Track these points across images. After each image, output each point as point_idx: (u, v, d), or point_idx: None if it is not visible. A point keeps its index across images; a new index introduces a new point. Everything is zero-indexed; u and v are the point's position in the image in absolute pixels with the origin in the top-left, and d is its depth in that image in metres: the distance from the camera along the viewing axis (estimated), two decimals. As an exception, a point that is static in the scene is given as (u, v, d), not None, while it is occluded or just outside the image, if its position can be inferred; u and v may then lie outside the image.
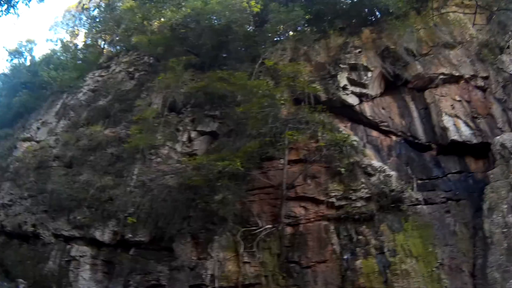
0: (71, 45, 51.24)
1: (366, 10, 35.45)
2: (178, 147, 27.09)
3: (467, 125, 27.99)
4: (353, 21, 34.95)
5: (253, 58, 30.90)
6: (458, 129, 27.60)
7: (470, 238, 23.52)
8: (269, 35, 33.14)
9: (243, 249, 20.59)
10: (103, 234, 23.66)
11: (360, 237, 21.06)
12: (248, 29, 34.18)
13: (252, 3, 32.99)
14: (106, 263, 23.51)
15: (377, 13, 35.09)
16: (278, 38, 34.44)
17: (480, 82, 29.93)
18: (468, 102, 29.19)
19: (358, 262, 20.10)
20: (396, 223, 21.95)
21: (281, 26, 33.72)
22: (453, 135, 27.12)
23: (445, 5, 33.24)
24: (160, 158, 26.17)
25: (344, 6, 36.31)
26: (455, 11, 32.20)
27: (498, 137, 26.32)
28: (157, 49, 34.19)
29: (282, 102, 25.29)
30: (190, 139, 27.44)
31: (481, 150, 27.35)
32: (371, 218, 21.62)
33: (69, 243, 24.54)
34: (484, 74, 30.03)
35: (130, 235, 22.52)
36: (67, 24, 52.87)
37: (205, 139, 27.32)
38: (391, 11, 31.91)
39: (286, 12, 32.40)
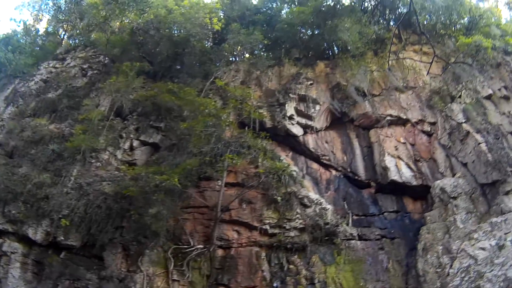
0: (32, 29, 49.72)
1: (325, 44, 36.01)
2: (119, 154, 26.51)
3: (409, 167, 28.81)
4: (310, 53, 35.74)
5: (205, 75, 30.90)
6: (399, 170, 28.31)
7: (403, 276, 23.99)
8: (225, 54, 33.27)
9: (173, 266, 20.26)
10: (36, 233, 22.45)
11: (291, 266, 21.05)
12: (206, 45, 34.10)
13: (215, 20, 33.36)
14: (37, 263, 22.19)
15: (335, 48, 35.70)
16: (233, 59, 34.59)
17: (427, 127, 31.07)
18: (412, 145, 30.13)
19: (288, 292, 19.86)
20: (328, 256, 22.11)
21: (239, 47, 33.98)
22: (393, 176, 27.82)
23: (403, 49, 34.32)
24: (100, 162, 25.45)
25: (303, 37, 36.92)
26: (411, 58, 33.49)
27: (438, 181, 27.43)
28: (114, 50, 33.70)
29: (227, 124, 25.23)
30: (131, 148, 26.91)
31: (420, 192, 28.18)
32: (304, 249, 21.69)
33: (1, 237, 23.54)
34: (432, 120, 31.23)
35: (62, 238, 21.47)
36: (33, 7, 51.27)
37: (146, 150, 26.89)
38: (349, 48, 32.81)
39: (245, 34, 32.70)
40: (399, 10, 39.06)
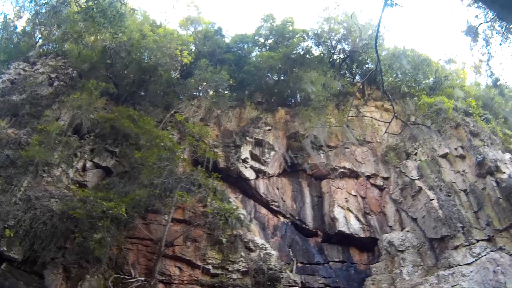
0: (11, 24, 49.02)
1: (289, 91, 36.86)
2: (71, 172, 26.08)
3: (358, 219, 29.49)
4: (273, 98, 36.62)
5: (167, 106, 31.18)
6: (348, 221, 28.93)
7: None
8: (190, 89, 33.40)
9: None
10: (-22, 239, 22.12)
11: None
12: (173, 76, 34.36)
13: (185, 53, 33.93)
14: (-24, 272, 21.92)
15: (298, 97, 36.71)
16: (197, 94, 34.80)
17: (379, 182, 32.09)
18: (363, 198, 30.88)
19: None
20: None
21: (204, 84, 34.23)
22: (341, 227, 28.41)
23: (365, 104, 35.45)
24: (51, 178, 24.90)
25: (268, 82, 37.70)
26: (371, 115, 34.60)
27: (387, 234, 28.39)
28: (83, 65, 33.30)
29: (180, 159, 25.43)
30: (84, 168, 26.52)
31: (367, 244, 28.84)
32: None
33: None
34: (385, 175, 32.34)
35: (4, 248, 21.04)
36: (17, 1, 50.65)
37: (98, 173, 26.57)
38: (311, 99, 33.48)
39: (212, 72, 33.35)
40: (367, 65, 40.59)
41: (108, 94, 30.53)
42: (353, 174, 31.55)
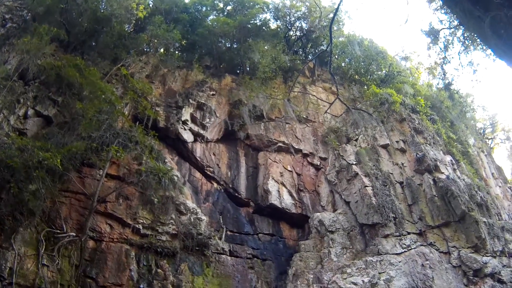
0: None
1: (239, 59, 36.87)
2: (12, 119, 25.57)
3: (291, 194, 30.17)
4: (222, 64, 36.66)
5: (115, 60, 30.27)
6: (281, 196, 29.54)
7: None
8: (140, 44, 32.73)
9: (44, 249, 19.29)
10: None
11: (160, 270, 21.14)
12: (125, 29, 33.60)
13: (141, 7, 33.02)
14: None
15: (247, 67, 36.73)
16: (147, 50, 34.07)
17: (317, 161, 32.81)
18: (299, 174, 31.58)
19: (153, 295, 20.11)
20: (197, 266, 22.50)
21: (155, 41, 33.69)
22: (274, 200, 28.97)
23: (313, 84, 35.91)
24: (-8, 124, 24.50)
25: (220, 48, 37.71)
26: (316, 94, 35.42)
27: (318, 213, 29.13)
28: (39, 8, 32.26)
29: (120, 114, 24.92)
30: (25, 116, 25.94)
31: (298, 220, 29.74)
32: (174, 255, 21.92)
33: None
34: (323, 155, 33.12)
35: None
36: None
37: (38, 122, 25.67)
38: (259, 69, 33.90)
39: (165, 29, 32.79)
40: (321, 47, 41.23)
41: (59, 41, 29.50)
42: (291, 150, 32.05)
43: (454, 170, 34.72)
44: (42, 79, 26.34)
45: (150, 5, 36.51)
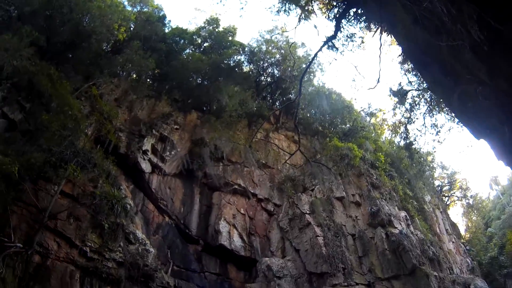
0: None
1: (207, 98, 37.08)
2: (-23, 118, 25.27)
3: (241, 237, 30.48)
4: (190, 100, 36.80)
5: (87, 77, 30.09)
6: (231, 237, 29.79)
7: None
8: (115, 66, 32.82)
9: None
10: None
11: None
12: (103, 49, 33.89)
13: (122, 29, 33.51)
14: None
15: (214, 106, 37.04)
16: (120, 73, 34.24)
17: (270, 207, 33.48)
18: (251, 218, 32.08)
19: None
20: None
21: (130, 65, 33.78)
22: (224, 241, 29.19)
23: (276, 131, 36.63)
24: (-44, 121, 24.09)
25: (191, 83, 37.92)
26: (276, 144, 36.09)
27: (267, 258, 29.48)
28: (26, 8, 32.12)
29: (83, 133, 24.99)
30: (-8, 116, 25.72)
31: (246, 263, 29.98)
32: (118, 283, 21.74)
33: None
34: (278, 202, 33.77)
35: None
36: None
37: (3, 124, 25.30)
38: (224, 111, 34.57)
39: (141, 56, 33.07)
40: (290, 95, 42.20)
41: (38, 46, 29.57)
42: (246, 194, 32.55)
43: (408, 225, 35.72)
44: (14, 81, 26.17)
45: (131, 29, 36.99)
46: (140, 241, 24.06)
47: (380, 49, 23.97)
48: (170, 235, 28.00)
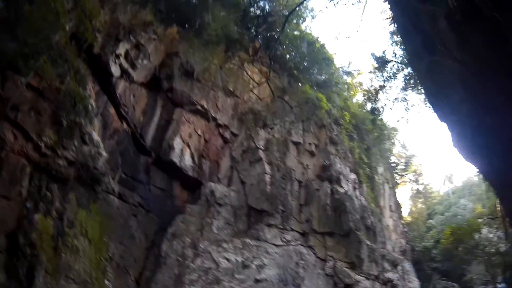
0: None
1: (192, 15, 36.01)
2: None
3: (192, 158, 31.04)
4: (174, 14, 35.68)
5: None
6: (183, 155, 30.29)
7: (146, 249, 26.17)
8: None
9: None
10: None
11: (48, 193, 21.24)
12: None
13: None
14: None
15: (196, 24, 35.76)
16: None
17: (227, 135, 34.19)
18: (206, 142, 32.62)
19: (37, 216, 20.17)
20: (84, 200, 22.85)
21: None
22: (175, 157, 29.67)
23: (251, 63, 36.70)
24: None
25: (179, -2, 37.13)
26: (249, 75, 36.39)
27: (213, 183, 30.71)
28: None
29: (61, 28, 23.76)
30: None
31: (192, 185, 30.88)
32: (65, 182, 22.11)
33: None
34: (236, 132, 34.59)
35: None
36: None
37: None
38: (207, 30, 34.29)
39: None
40: (273, 32, 41.86)
41: None
42: (207, 116, 32.78)
43: (355, 188, 37.24)
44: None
45: None
46: (95, 143, 24.08)
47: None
48: (124, 142, 28.03)
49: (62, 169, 21.94)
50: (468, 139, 12.15)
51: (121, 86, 29.06)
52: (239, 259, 27.90)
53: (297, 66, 41.86)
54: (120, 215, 25.16)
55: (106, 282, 22.17)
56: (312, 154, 36.74)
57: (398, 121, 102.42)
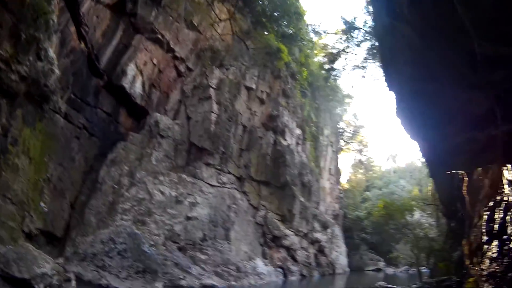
0: None
1: None
2: None
3: (143, 86, 30.93)
4: None
5: None
6: (134, 82, 30.14)
7: (84, 173, 26.60)
8: None
9: None
10: None
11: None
12: None
13: None
14: None
15: None
16: None
17: (182, 68, 33.94)
18: (160, 72, 32.40)
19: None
20: (31, 117, 22.64)
21: None
22: (125, 83, 29.50)
23: (221, 3, 36.23)
24: None
25: None
26: (214, 12, 34.81)
27: (159, 114, 31.03)
28: None
29: None
30: None
31: (138, 113, 31.19)
32: (14, 98, 21.68)
33: None
34: (191, 67, 34.48)
35: None
36: None
37: None
38: None
39: None
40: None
41: None
42: (165, 47, 32.41)
43: (298, 144, 38.17)
44: None
45: None
46: (49, 59, 23.26)
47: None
48: (79, 62, 27.46)
49: (13, 83, 21.29)
50: (409, 107, 11.99)
51: (86, 5, 28.12)
52: (173, 193, 28.66)
53: (266, 13, 41.29)
54: (63, 136, 25.09)
55: (42, 204, 22.45)
56: (262, 101, 37.18)
57: (353, 86, 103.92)
